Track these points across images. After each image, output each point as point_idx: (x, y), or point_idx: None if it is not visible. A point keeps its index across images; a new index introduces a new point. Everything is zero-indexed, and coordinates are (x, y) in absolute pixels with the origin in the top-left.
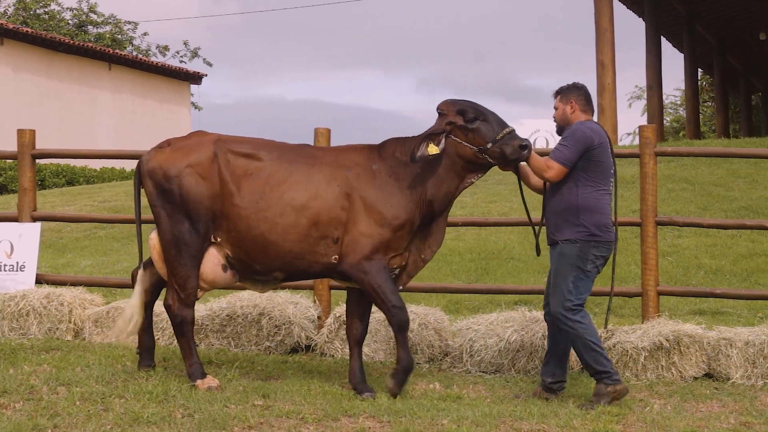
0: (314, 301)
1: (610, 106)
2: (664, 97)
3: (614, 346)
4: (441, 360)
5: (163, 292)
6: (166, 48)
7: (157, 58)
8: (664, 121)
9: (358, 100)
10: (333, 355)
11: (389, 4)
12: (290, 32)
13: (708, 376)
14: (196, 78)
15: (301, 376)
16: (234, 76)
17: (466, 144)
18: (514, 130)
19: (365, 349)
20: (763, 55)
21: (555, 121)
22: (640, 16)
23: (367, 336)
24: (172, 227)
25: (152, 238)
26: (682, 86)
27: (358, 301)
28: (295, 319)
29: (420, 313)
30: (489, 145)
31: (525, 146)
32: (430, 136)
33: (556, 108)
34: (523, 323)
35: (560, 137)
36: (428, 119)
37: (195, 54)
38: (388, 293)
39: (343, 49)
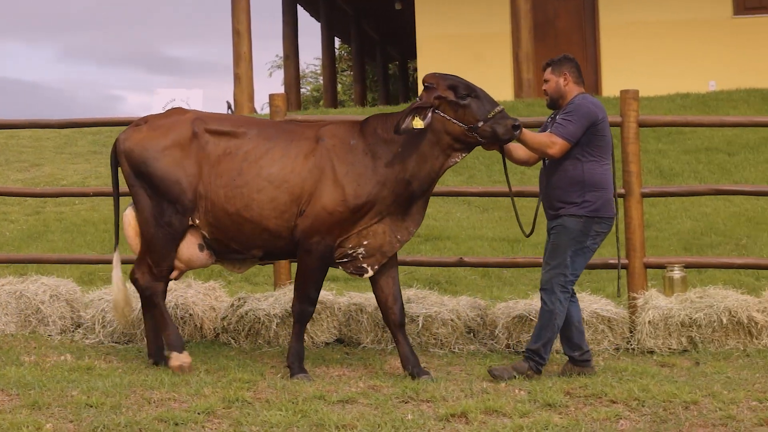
0: None
1: (246, 75)
2: (304, 66)
3: (246, 314)
4: (73, 331)
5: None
6: None
7: None
8: (306, 90)
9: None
10: None
11: None
12: None
13: (339, 341)
14: None
15: None
16: None
17: (455, 121)
18: (504, 110)
19: None
20: (399, 24)
21: (547, 93)
22: None
23: None
24: (152, 206)
25: (127, 214)
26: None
27: (385, 285)
28: None
29: (51, 284)
30: (480, 124)
31: (518, 126)
32: (416, 109)
33: (547, 80)
34: None
35: (561, 112)
36: (72, 89)
37: None
38: (312, 283)
39: None
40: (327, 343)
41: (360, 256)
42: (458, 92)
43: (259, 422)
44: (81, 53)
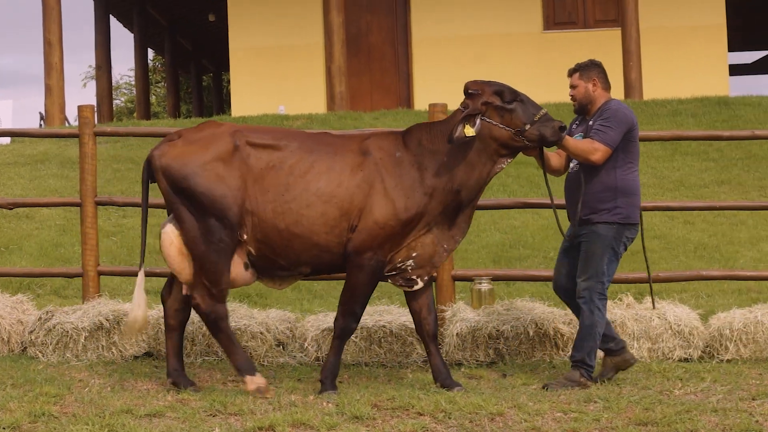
0: None
1: (57, 86)
2: (119, 77)
3: (54, 327)
4: None
5: None
6: None
7: None
8: (120, 101)
9: None
10: None
11: None
12: None
13: (148, 354)
14: None
15: None
16: None
17: (502, 126)
18: (548, 112)
19: None
20: (213, 36)
21: (574, 99)
22: None
23: None
24: (198, 222)
25: (168, 232)
26: None
27: (420, 296)
28: None
29: None
30: (527, 127)
31: (564, 128)
32: (466, 117)
33: (575, 86)
34: None
35: (597, 117)
36: None
37: None
38: (359, 300)
39: None
40: (136, 357)
41: (409, 268)
42: (504, 97)
43: None
44: None
